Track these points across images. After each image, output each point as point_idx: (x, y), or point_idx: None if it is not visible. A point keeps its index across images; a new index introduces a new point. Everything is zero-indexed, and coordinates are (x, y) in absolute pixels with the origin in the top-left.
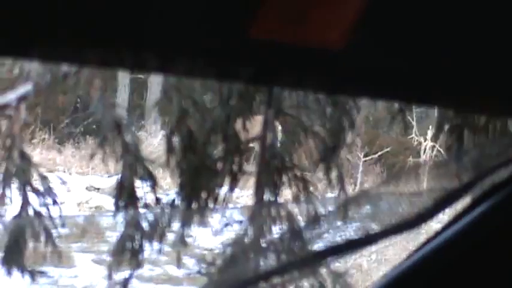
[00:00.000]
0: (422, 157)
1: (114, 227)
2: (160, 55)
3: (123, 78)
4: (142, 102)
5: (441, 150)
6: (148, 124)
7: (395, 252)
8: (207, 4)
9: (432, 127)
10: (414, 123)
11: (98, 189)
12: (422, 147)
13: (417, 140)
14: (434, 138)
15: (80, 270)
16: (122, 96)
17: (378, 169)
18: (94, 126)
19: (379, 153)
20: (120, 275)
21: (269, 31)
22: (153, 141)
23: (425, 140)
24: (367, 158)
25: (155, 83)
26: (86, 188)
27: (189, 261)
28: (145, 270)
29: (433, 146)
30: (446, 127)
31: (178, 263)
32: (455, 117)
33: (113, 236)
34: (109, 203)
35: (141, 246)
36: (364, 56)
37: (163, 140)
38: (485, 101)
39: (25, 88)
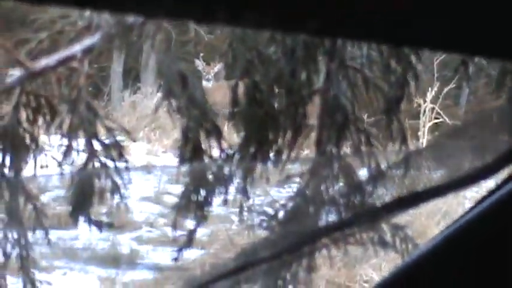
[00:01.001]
0: (422, 119)
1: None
2: (229, 7)
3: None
4: (137, 65)
5: (441, 112)
6: (144, 86)
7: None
8: None
9: (432, 89)
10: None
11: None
12: (422, 110)
13: (416, 102)
14: (497, 88)
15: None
16: (118, 59)
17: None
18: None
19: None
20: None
21: None
22: (149, 104)
23: (424, 102)
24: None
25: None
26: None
27: (247, 215)
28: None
29: (433, 108)
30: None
31: (240, 216)
32: None
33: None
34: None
35: (206, 198)
36: (431, 9)
37: (159, 102)
38: None
39: (91, 40)
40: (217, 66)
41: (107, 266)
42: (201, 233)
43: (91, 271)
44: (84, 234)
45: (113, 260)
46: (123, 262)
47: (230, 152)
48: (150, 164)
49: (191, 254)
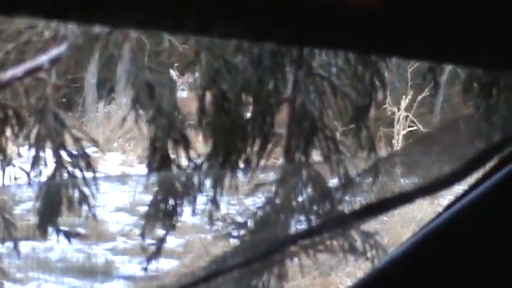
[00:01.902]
0: (396, 127)
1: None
2: (199, 16)
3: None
4: (111, 76)
5: (415, 120)
6: (118, 97)
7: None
8: None
9: (405, 97)
10: (387, 93)
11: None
12: (396, 118)
13: (390, 111)
14: (464, 95)
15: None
16: (92, 70)
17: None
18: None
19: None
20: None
21: None
22: (123, 114)
23: (398, 110)
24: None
25: (125, 56)
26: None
27: (219, 224)
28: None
29: (407, 116)
30: (474, 85)
31: (210, 225)
32: (484, 76)
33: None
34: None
35: (174, 207)
36: (396, 15)
37: (132, 113)
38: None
39: (58, 50)
40: (192, 77)
41: (82, 277)
42: (176, 243)
43: (66, 282)
44: (59, 245)
45: (88, 271)
46: (99, 273)
47: (199, 161)
48: (124, 174)
49: (166, 264)
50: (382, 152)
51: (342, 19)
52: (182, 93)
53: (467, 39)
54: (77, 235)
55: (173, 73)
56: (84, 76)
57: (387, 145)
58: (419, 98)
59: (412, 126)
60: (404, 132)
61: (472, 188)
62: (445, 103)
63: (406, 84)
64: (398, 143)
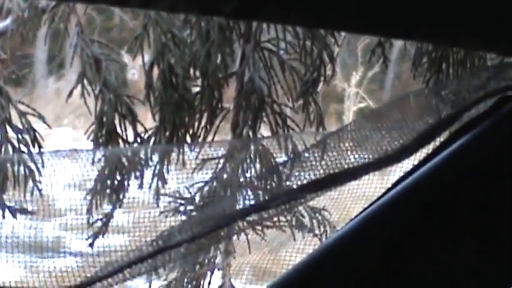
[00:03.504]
0: (346, 103)
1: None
2: None
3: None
4: (61, 51)
5: (365, 97)
6: (68, 73)
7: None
8: None
9: (356, 74)
10: (338, 69)
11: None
12: (346, 94)
13: (341, 87)
14: (414, 70)
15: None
16: (40, 45)
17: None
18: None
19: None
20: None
21: None
22: (74, 91)
23: (349, 86)
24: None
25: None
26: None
27: (167, 199)
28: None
29: (357, 93)
30: (424, 60)
31: (158, 201)
32: (433, 51)
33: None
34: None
35: (121, 183)
36: None
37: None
38: (464, 35)
39: (2, 24)
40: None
41: (31, 253)
42: (124, 218)
43: (15, 259)
44: (8, 222)
45: (37, 247)
46: (48, 250)
47: (145, 135)
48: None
49: (114, 241)
50: (333, 128)
51: None
52: (133, 77)
53: (412, 13)
54: (24, 211)
55: (124, 54)
56: (33, 52)
57: (338, 121)
58: (370, 74)
59: (362, 103)
60: (354, 108)
61: (421, 163)
62: (395, 79)
63: (357, 61)
64: (348, 119)
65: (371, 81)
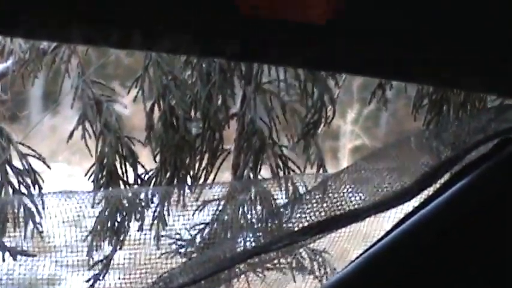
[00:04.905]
0: (342, 141)
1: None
2: (146, 32)
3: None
4: (56, 88)
5: (360, 134)
6: (63, 110)
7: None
8: None
9: (351, 111)
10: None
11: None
12: (341, 131)
13: (336, 124)
14: (415, 112)
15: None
16: (37, 82)
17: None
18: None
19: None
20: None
21: (255, 6)
22: (69, 127)
23: (344, 123)
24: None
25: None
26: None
27: (167, 241)
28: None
29: (353, 130)
30: (425, 102)
31: (158, 242)
32: (434, 93)
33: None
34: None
35: (121, 223)
36: (346, 32)
37: (75, 127)
38: (464, 77)
39: (4, 65)
40: (135, 91)
41: None
42: (123, 259)
43: None
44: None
45: (32, 285)
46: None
47: (146, 177)
48: (70, 188)
49: (111, 280)
50: (329, 165)
51: (291, 35)
52: (125, 108)
53: (412, 55)
54: (24, 253)
55: (116, 87)
56: (29, 89)
57: (333, 159)
58: (365, 111)
59: (358, 140)
60: (350, 146)
61: (422, 205)
62: (391, 117)
63: (352, 98)
64: (344, 157)
65: (366, 118)
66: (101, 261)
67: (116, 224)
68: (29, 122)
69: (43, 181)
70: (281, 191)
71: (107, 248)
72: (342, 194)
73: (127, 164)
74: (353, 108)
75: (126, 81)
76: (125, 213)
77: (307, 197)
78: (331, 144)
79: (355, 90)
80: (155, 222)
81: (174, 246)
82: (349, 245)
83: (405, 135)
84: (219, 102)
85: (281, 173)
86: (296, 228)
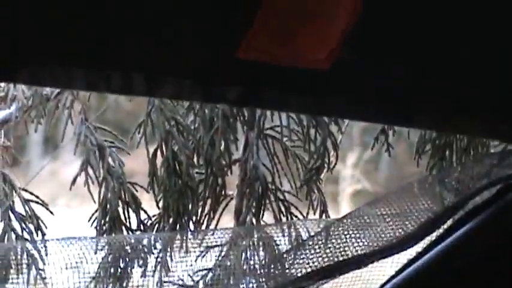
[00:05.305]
0: (342, 185)
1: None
2: (147, 77)
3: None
4: (56, 133)
5: (361, 179)
6: (63, 154)
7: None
8: (195, 25)
9: (351, 155)
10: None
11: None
12: (342, 175)
13: (336, 168)
14: (418, 157)
15: None
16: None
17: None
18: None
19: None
20: None
21: (258, 51)
22: (69, 171)
23: (344, 167)
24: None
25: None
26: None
27: (170, 287)
28: None
29: (353, 175)
30: (427, 148)
31: None
32: (437, 138)
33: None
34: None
35: (124, 270)
36: (348, 77)
37: (78, 173)
38: (468, 122)
39: (7, 112)
40: (136, 135)
41: None
42: None
43: None
44: None
45: None
46: None
47: (149, 222)
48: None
49: None
50: (329, 210)
51: (293, 80)
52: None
53: (413, 100)
54: None
55: (116, 132)
56: (28, 134)
57: (333, 203)
58: (366, 156)
59: (358, 184)
60: (350, 190)
61: (425, 250)
62: (391, 161)
63: (352, 142)
64: (344, 201)
65: (367, 162)
66: None
67: (119, 269)
68: (29, 167)
69: (46, 227)
70: (284, 236)
71: None
72: (345, 240)
73: (130, 209)
74: (353, 152)
75: (127, 126)
76: (127, 259)
77: (310, 242)
78: (331, 189)
79: (355, 134)
80: (158, 268)
81: None
82: None
83: (407, 180)
84: (222, 148)
85: (284, 219)
86: (299, 274)
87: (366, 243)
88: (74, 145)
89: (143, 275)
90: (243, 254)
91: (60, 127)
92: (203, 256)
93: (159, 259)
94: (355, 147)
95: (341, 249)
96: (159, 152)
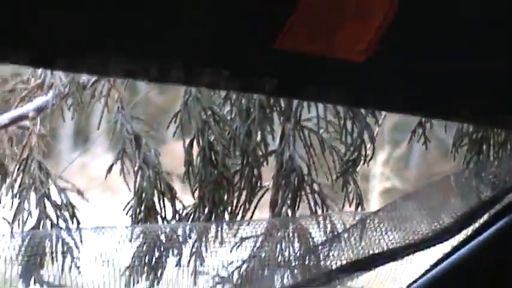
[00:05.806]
0: (371, 183)
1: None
2: (185, 66)
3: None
4: (87, 125)
5: (390, 176)
6: (93, 147)
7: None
8: (234, 15)
9: (382, 152)
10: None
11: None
12: (372, 173)
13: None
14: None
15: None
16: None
17: (337, 194)
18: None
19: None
20: None
21: (296, 42)
22: (99, 164)
23: (374, 165)
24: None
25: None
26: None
27: (204, 277)
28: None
29: (383, 173)
30: (465, 142)
31: (195, 279)
32: (474, 132)
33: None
34: None
35: (159, 260)
36: (386, 69)
37: (113, 163)
38: (503, 116)
39: (43, 99)
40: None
41: None
42: None
43: None
44: None
45: None
46: None
47: (184, 212)
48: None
49: None
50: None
51: (328, 72)
52: (161, 144)
53: (451, 93)
54: (60, 287)
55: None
56: (60, 125)
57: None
58: (396, 153)
59: (387, 182)
60: (380, 187)
61: (461, 245)
62: (421, 158)
63: (383, 139)
64: (374, 199)
65: (396, 160)
66: None
67: (154, 259)
68: (60, 158)
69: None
70: (319, 228)
71: (144, 284)
72: (380, 233)
73: (165, 199)
74: (384, 150)
75: (158, 121)
76: (162, 249)
77: (346, 235)
78: (361, 186)
79: (385, 131)
80: (192, 258)
81: (211, 283)
82: (388, 283)
83: (440, 176)
84: (258, 138)
85: (319, 211)
86: (334, 266)
87: (401, 236)
88: (104, 138)
89: (177, 264)
90: (278, 246)
91: (91, 119)
92: (238, 247)
93: (193, 249)
94: (385, 144)
95: (376, 242)
96: (195, 142)
